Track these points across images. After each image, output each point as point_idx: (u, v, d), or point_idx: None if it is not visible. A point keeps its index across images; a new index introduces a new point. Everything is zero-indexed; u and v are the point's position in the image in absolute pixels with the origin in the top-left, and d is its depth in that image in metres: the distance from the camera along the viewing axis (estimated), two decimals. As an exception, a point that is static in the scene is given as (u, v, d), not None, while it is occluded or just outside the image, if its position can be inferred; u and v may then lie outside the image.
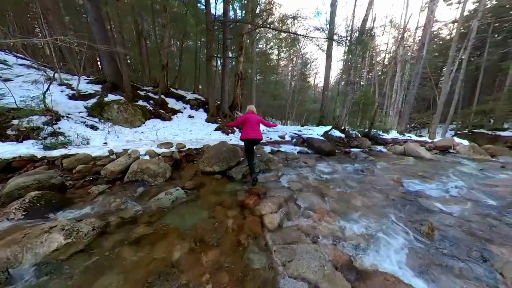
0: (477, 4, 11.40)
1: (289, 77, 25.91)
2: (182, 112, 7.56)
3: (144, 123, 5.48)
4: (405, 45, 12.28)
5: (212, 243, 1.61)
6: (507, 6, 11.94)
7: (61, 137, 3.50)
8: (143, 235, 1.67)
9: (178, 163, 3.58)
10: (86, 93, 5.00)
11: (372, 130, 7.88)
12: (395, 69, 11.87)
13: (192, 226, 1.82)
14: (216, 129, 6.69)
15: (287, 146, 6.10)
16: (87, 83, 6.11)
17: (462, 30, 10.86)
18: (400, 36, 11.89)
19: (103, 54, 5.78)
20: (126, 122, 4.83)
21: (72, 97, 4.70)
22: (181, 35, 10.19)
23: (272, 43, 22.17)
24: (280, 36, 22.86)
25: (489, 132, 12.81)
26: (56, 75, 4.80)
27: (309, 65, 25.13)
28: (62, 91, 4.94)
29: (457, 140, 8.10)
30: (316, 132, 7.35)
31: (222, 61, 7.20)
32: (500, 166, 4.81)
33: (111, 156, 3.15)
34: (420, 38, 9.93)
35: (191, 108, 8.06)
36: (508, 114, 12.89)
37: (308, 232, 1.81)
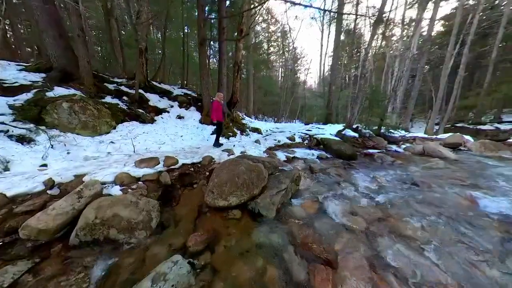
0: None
1: (281, 72, 24.97)
2: (168, 112, 6.12)
3: (114, 128, 3.97)
4: (405, 40, 12.03)
5: None
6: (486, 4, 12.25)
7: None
8: None
9: (169, 192, 2.35)
10: (13, 85, 3.31)
11: (382, 127, 7.28)
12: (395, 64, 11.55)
13: None
14: (213, 133, 5.44)
15: (302, 150, 5.12)
16: (20, 70, 4.22)
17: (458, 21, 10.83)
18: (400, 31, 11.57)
19: (45, 25, 3.97)
20: (84, 128, 3.29)
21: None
22: (162, 20, 8.49)
23: (261, 37, 20.94)
24: (270, 29, 21.71)
25: (470, 126, 13.39)
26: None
27: (299, 60, 24.41)
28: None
29: (465, 136, 7.90)
30: (328, 131, 6.48)
31: (218, 46, 5.85)
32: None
33: (49, 193, 1.81)
34: (426, 31, 9.58)
35: (180, 107, 6.63)
36: (488, 109, 13.63)
37: None
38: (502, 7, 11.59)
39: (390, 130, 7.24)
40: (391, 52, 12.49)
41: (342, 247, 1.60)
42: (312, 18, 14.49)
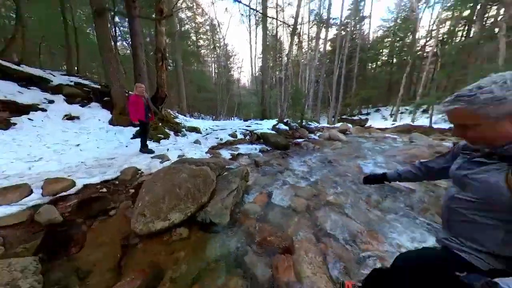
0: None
1: (214, 68, 24.07)
2: (44, 110, 3.96)
3: None
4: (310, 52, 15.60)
5: None
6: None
7: None
8: None
9: (61, 234, 1.50)
10: None
11: (303, 120, 9.07)
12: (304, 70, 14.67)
13: None
14: (135, 136, 4.19)
15: (245, 146, 5.24)
16: None
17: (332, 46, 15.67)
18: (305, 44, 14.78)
19: None
20: None
21: None
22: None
23: (188, 26, 18.96)
24: (197, 20, 20.10)
25: (349, 117, 20.23)
26: None
27: (232, 57, 24.79)
28: None
29: (348, 125, 11.66)
30: (265, 126, 7.08)
31: (128, 24, 4.36)
32: (375, 140, 7.23)
33: None
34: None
35: (70, 102, 4.49)
36: (355, 106, 21.24)
37: None
38: (357, 40, 17.90)
39: (309, 122, 9.14)
40: (302, 60, 15.65)
41: (294, 230, 1.76)
42: (242, 14, 14.96)
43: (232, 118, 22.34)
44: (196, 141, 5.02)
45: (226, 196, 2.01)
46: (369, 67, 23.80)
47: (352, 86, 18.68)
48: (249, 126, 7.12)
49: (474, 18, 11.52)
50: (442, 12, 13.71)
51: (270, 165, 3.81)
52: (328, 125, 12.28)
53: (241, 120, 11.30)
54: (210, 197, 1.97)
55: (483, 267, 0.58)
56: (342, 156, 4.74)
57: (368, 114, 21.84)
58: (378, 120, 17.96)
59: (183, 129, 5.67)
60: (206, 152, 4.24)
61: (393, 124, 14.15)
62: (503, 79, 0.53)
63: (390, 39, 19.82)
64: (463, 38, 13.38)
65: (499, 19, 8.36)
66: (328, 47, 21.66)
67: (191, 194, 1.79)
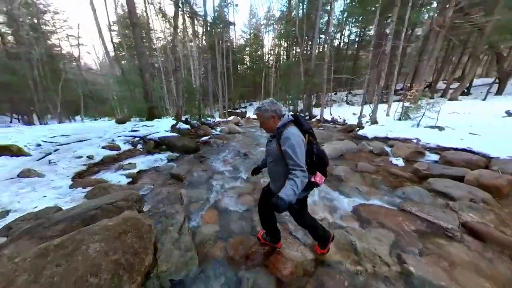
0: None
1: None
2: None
3: None
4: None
5: None
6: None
7: None
8: None
9: None
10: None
11: (202, 117, 8.86)
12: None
13: None
14: None
15: (142, 159, 3.93)
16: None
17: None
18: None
19: None
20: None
21: None
22: None
23: None
24: None
25: (233, 111, 23.77)
26: None
27: (49, 13, 14.72)
28: None
29: (238, 118, 13.60)
30: (160, 128, 5.71)
31: None
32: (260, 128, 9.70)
33: None
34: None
35: None
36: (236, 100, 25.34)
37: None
38: (227, 42, 20.47)
39: (207, 118, 9.09)
40: (185, 52, 14.32)
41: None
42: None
43: (73, 119, 14.33)
44: (25, 172, 2.61)
45: (178, 235, 1.51)
46: (238, 68, 28.99)
47: (231, 83, 21.57)
48: (136, 131, 5.25)
49: (288, 48, 19.65)
50: (274, 38, 20.93)
51: (193, 174, 3.36)
52: (221, 119, 13.25)
53: (107, 121, 7.71)
54: (154, 251, 1.34)
55: (277, 191, 1.12)
56: (248, 146, 5.61)
57: (245, 107, 27.19)
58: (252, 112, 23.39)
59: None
60: (70, 187, 2.47)
61: (263, 115, 19.45)
62: (266, 102, 1.20)
63: (248, 49, 25.67)
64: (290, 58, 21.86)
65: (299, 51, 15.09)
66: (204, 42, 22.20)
67: (124, 267, 1.08)
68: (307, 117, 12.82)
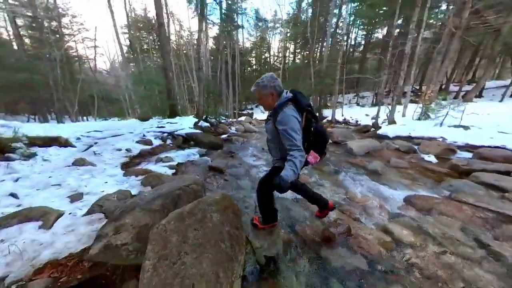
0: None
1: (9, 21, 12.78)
2: None
3: None
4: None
5: None
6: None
7: None
8: None
9: None
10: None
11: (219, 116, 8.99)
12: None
13: None
14: None
15: (175, 153, 4.01)
16: None
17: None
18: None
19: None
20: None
21: None
22: None
23: None
24: None
25: (241, 112, 23.93)
26: None
27: (67, 16, 15.22)
28: None
29: (249, 118, 13.71)
30: (184, 125, 5.84)
31: None
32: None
33: None
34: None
35: None
36: (243, 102, 25.50)
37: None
38: (235, 43, 20.80)
39: (223, 118, 9.22)
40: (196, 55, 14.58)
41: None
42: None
43: (87, 119, 14.64)
44: (79, 161, 2.71)
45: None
46: (245, 70, 29.36)
47: (239, 85, 21.83)
48: (163, 127, 5.37)
49: (294, 51, 19.85)
50: (280, 41, 21.20)
51: (232, 167, 3.43)
52: (234, 119, 13.39)
53: (128, 119, 7.90)
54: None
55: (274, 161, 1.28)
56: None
57: (251, 109, 27.41)
58: (259, 113, 23.47)
59: (17, 145, 2.63)
60: (124, 175, 2.56)
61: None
62: (266, 76, 1.14)
63: (255, 52, 26.01)
64: (297, 61, 22.08)
65: (308, 53, 15.22)
66: (212, 45, 22.58)
67: (234, 239, 1.14)
68: (318, 118, 12.84)
